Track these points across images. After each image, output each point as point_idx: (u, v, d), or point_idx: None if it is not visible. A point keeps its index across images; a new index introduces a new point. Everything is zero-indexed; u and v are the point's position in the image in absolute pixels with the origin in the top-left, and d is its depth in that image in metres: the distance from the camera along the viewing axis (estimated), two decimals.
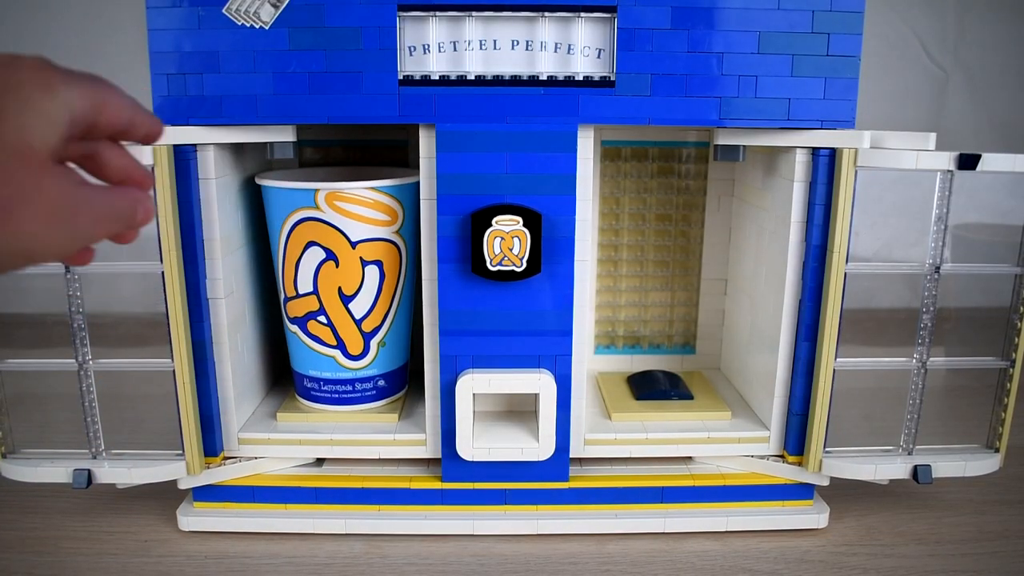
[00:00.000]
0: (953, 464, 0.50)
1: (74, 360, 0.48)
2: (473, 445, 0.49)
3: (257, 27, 0.44)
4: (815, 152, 0.47)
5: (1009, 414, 0.50)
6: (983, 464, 0.51)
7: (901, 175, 0.46)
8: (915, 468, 0.50)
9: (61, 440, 0.50)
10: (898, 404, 0.51)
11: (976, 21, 0.98)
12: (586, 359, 0.50)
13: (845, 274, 0.47)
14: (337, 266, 0.51)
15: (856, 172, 0.45)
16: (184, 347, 0.47)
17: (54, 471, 0.48)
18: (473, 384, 0.48)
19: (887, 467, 0.50)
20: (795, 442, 0.51)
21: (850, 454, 0.51)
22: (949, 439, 0.52)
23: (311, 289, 0.52)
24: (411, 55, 0.45)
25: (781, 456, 0.52)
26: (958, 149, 0.47)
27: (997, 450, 0.52)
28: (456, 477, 0.51)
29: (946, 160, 0.46)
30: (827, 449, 0.50)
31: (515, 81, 0.45)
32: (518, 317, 0.48)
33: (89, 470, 0.48)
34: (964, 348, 0.51)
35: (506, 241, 0.46)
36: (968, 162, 0.46)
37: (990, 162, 0.46)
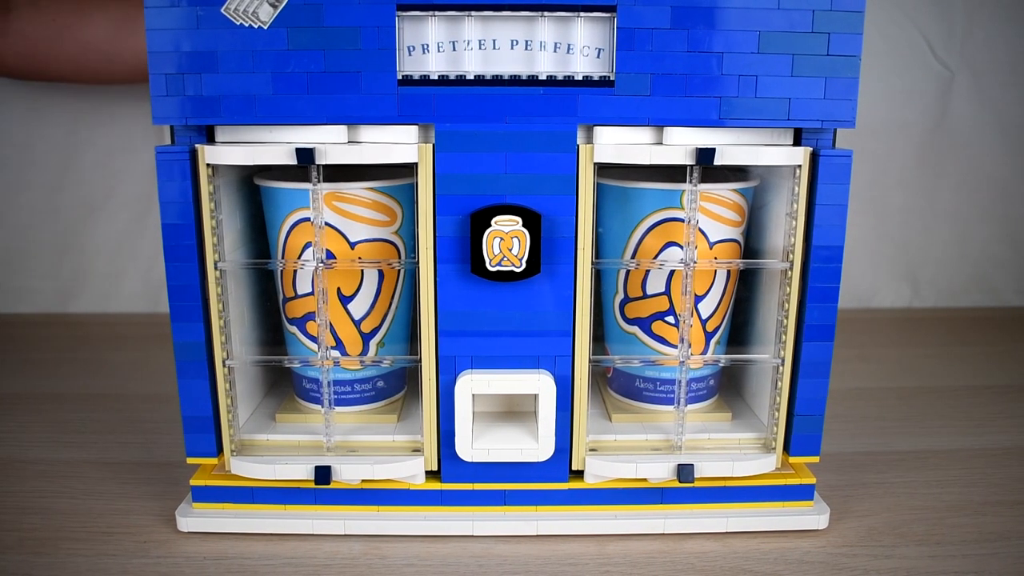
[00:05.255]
0: (720, 464, 0.50)
1: None
2: (472, 446, 0.49)
3: (256, 27, 0.44)
4: (814, 151, 0.47)
5: (782, 412, 0.50)
6: (754, 464, 0.50)
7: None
8: (679, 467, 0.49)
9: None
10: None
11: (983, 20, 0.98)
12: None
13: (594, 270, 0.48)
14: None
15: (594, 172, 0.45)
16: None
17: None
18: (472, 385, 0.48)
19: (649, 467, 0.49)
20: (795, 443, 0.51)
21: (616, 451, 0.51)
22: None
23: (310, 290, 0.51)
24: (410, 55, 0.45)
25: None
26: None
27: (773, 450, 0.51)
28: (455, 478, 0.51)
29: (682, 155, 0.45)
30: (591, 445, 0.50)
31: (514, 81, 0.45)
32: (518, 317, 0.48)
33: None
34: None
35: (505, 241, 0.46)
36: (705, 156, 0.45)
37: (728, 155, 0.45)
